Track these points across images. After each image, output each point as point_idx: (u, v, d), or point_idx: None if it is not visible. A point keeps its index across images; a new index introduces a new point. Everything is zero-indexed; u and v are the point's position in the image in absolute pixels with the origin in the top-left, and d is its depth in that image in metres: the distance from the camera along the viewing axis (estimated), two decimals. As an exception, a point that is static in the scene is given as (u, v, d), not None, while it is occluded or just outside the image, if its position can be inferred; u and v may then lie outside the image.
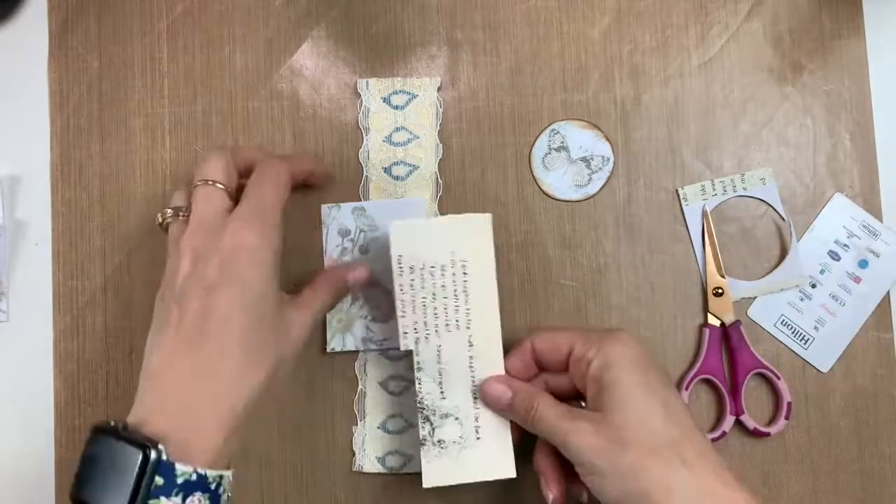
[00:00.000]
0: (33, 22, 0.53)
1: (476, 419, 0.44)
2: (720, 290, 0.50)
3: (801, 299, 0.50)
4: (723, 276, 0.50)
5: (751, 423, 0.49)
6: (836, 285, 0.51)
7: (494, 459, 0.44)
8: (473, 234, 0.44)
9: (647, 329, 0.50)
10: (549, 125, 0.51)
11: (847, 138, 0.51)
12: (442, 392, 0.44)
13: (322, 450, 0.50)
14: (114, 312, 0.51)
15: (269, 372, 0.40)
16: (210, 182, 0.43)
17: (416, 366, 0.44)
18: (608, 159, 0.51)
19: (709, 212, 0.51)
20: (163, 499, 0.35)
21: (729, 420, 0.49)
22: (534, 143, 0.51)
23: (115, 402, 0.50)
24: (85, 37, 0.53)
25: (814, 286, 0.51)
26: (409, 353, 0.44)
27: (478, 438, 0.44)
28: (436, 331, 0.44)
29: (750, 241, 0.51)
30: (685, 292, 0.51)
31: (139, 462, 0.35)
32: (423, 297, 0.44)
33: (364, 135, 0.51)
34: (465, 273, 0.44)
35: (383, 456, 0.50)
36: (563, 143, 0.51)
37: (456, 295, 0.44)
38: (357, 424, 0.50)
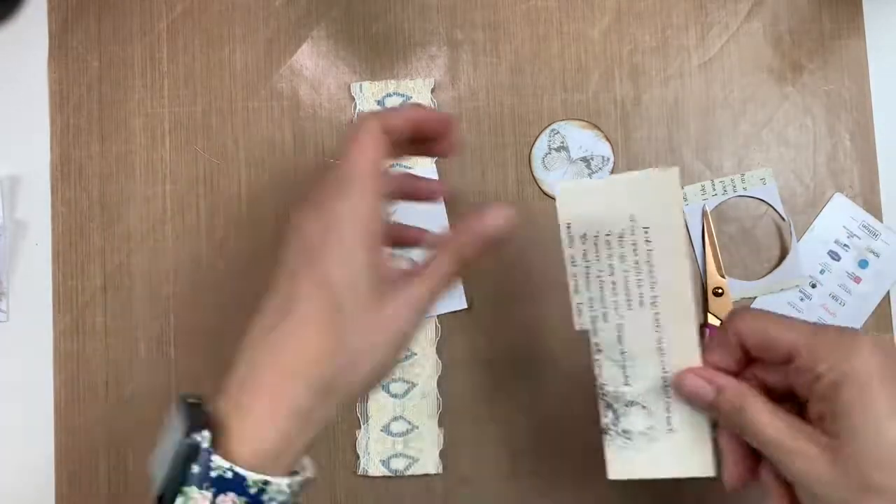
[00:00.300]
0: (33, 22, 0.53)
1: (667, 409, 0.38)
2: (720, 290, 0.50)
3: (801, 299, 0.50)
4: (723, 276, 0.50)
5: (751, 424, 0.49)
6: (836, 285, 0.51)
7: (690, 455, 0.37)
8: (657, 195, 0.37)
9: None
10: (549, 125, 0.51)
11: (847, 138, 0.51)
12: (626, 378, 0.38)
13: (323, 451, 0.50)
14: (114, 312, 0.51)
15: (345, 363, 0.33)
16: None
17: (593, 347, 0.38)
18: (608, 159, 0.51)
19: (709, 212, 0.51)
20: (194, 489, 0.31)
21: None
22: (534, 143, 0.51)
23: (115, 403, 0.50)
24: (85, 37, 0.53)
25: (814, 286, 0.51)
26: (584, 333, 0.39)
27: (669, 430, 0.38)
28: (615, 308, 0.38)
29: (750, 241, 0.51)
30: (685, 292, 0.51)
31: (177, 441, 0.32)
32: (600, 271, 0.38)
33: None
34: (647, 241, 0.37)
35: (388, 459, 0.50)
36: (563, 143, 0.51)
37: (638, 267, 0.37)
38: (360, 428, 0.50)
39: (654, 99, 0.52)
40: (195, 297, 0.51)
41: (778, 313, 0.36)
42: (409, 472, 0.49)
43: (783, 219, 0.51)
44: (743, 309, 0.38)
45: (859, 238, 0.51)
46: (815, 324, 0.35)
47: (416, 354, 0.50)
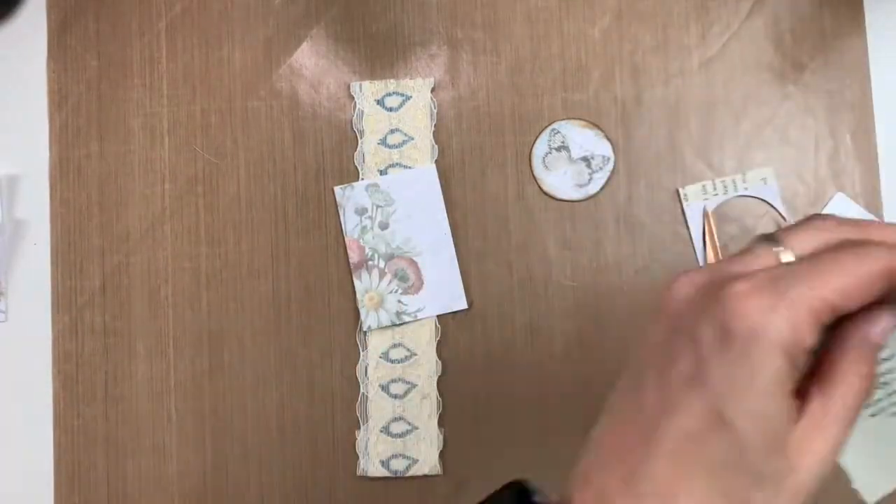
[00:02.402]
0: (32, 21, 0.53)
1: None
2: (721, 291, 0.50)
3: (802, 299, 0.50)
4: (723, 277, 0.50)
5: (751, 424, 0.49)
6: (837, 285, 0.50)
7: None
8: None
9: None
10: (550, 125, 0.51)
11: (848, 138, 0.51)
12: None
13: (322, 451, 0.50)
14: (113, 312, 0.51)
15: None
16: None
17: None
18: (608, 159, 0.51)
19: (710, 212, 0.51)
20: None
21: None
22: (534, 143, 0.51)
23: (114, 403, 0.50)
24: (84, 36, 0.52)
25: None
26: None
27: None
28: None
29: (751, 241, 0.51)
30: (686, 292, 0.50)
31: None
32: None
33: (359, 138, 0.51)
34: None
35: (387, 459, 0.50)
36: (563, 142, 0.51)
37: None
38: (360, 428, 0.50)
39: (655, 98, 0.51)
40: (194, 297, 0.51)
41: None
42: (409, 473, 0.49)
43: (784, 219, 0.51)
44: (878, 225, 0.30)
45: (861, 238, 0.50)
46: None
47: (416, 355, 0.50)
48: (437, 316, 0.50)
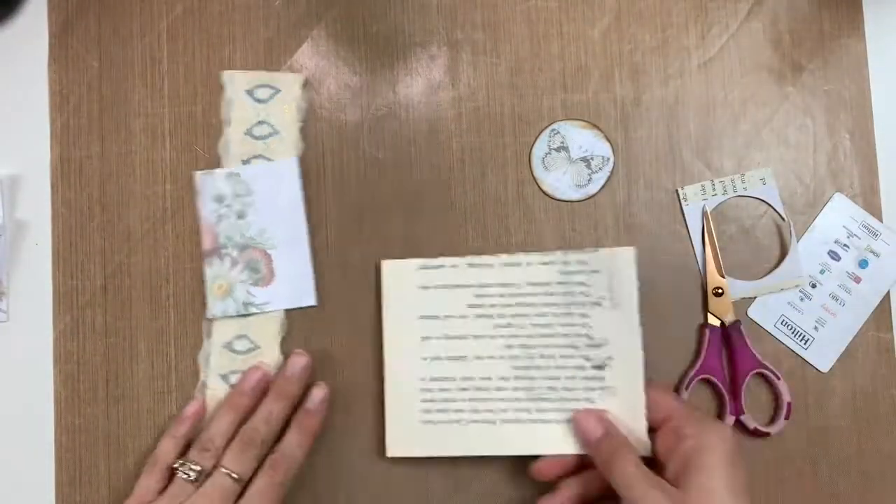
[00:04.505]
0: (33, 22, 0.53)
1: None
2: (720, 290, 0.50)
3: (801, 299, 0.50)
4: (723, 276, 0.50)
5: (751, 423, 0.49)
6: (836, 285, 0.51)
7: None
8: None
9: (647, 329, 0.50)
10: (549, 125, 0.51)
11: (847, 138, 0.51)
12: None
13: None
14: (114, 312, 0.51)
15: None
16: (223, 471, 0.45)
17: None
18: (608, 159, 0.51)
19: (709, 212, 0.51)
20: None
21: (729, 420, 0.49)
22: (533, 144, 0.51)
23: (115, 403, 0.50)
24: (85, 37, 0.53)
25: (814, 286, 0.51)
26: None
27: None
28: None
29: (750, 241, 0.51)
30: (685, 292, 0.51)
31: None
32: None
33: (225, 127, 0.51)
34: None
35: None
36: (562, 143, 0.51)
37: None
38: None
39: (654, 99, 0.52)
40: (195, 298, 0.51)
41: (666, 384, 0.49)
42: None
43: (783, 219, 0.51)
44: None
45: (859, 238, 0.51)
46: (688, 405, 0.46)
47: (259, 348, 0.50)
48: (286, 311, 0.50)
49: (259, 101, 0.51)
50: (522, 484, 0.49)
